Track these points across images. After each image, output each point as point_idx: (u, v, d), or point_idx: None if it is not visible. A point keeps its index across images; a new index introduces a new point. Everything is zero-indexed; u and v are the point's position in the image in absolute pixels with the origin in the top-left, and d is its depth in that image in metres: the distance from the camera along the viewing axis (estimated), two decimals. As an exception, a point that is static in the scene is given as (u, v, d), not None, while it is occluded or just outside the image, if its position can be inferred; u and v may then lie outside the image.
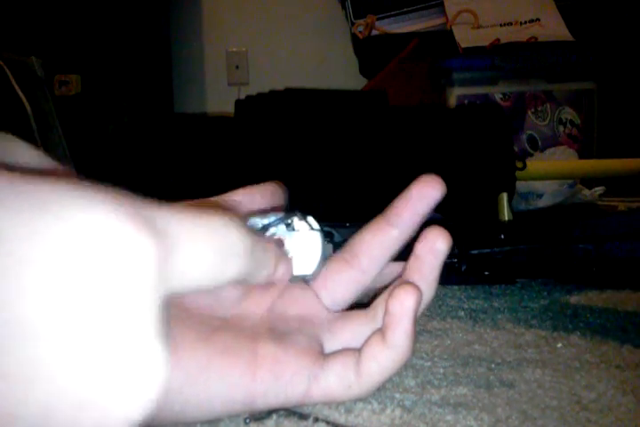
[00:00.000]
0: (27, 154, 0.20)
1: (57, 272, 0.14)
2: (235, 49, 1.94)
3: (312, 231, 0.29)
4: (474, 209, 0.47)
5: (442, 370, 0.33)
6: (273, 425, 0.26)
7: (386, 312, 0.27)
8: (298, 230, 0.29)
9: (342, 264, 0.31)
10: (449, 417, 0.28)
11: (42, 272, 0.14)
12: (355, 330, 0.30)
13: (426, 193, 0.29)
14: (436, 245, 0.28)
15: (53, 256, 0.14)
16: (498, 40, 1.23)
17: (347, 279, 0.31)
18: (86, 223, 0.15)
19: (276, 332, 0.28)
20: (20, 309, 0.14)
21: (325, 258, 0.30)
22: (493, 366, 0.34)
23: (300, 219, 0.29)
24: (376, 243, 0.31)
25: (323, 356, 0.28)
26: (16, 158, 0.20)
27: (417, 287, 0.27)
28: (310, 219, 0.30)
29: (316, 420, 0.27)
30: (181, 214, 0.19)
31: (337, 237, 0.34)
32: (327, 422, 0.27)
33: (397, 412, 0.28)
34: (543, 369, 0.33)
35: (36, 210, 0.14)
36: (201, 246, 0.19)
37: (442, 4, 1.38)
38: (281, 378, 0.27)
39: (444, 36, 1.29)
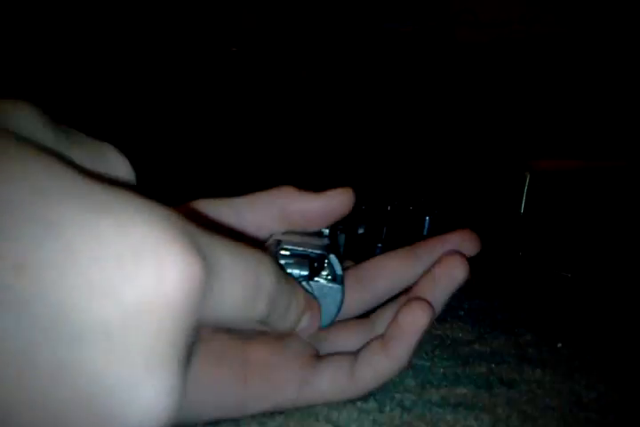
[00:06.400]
0: (122, 168, 0.20)
1: (103, 270, 0.14)
2: (235, 49, 1.94)
3: (334, 284, 0.28)
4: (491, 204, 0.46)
5: (442, 370, 0.33)
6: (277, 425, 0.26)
7: (395, 324, 0.28)
8: (320, 280, 0.28)
9: (356, 285, 0.30)
10: (449, 417, 0.28)
11: (89, 266, 0.14)
12: (350, 337, 0.30)
13: (465, 242, 0.30)
14: (455, 273, 0.29)
15: (104, 257, 0.14)
16: (498, 39, 1.23)
17: (356, 299, 0.30)
18: (141, 233, 0.15)
19: (269, 335, 0.28)
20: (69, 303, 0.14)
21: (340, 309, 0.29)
22: (493, 366, 0.34)
23: (325, 265, 0.28)
24: (399, 273, 0.31)
25: (315, 359, 0.28)
26: (114, 171, 0.20)
27: (431, 307, 0.28)
28: (335, 262, 0.28)
29: (317, 419, 0.27)
30: (224, 243, 0.18)
31: (341, 240, 0.33)
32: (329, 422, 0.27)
33: (397, 412, 0.28)
34: (543, 369, 0.33)
35: (99, 209, 0.15)
36: (238, 279, 0.18)
37: (442, 4, 1.38)
38: (272, 382, 0.27)
39: (443, 36, 1.29)
